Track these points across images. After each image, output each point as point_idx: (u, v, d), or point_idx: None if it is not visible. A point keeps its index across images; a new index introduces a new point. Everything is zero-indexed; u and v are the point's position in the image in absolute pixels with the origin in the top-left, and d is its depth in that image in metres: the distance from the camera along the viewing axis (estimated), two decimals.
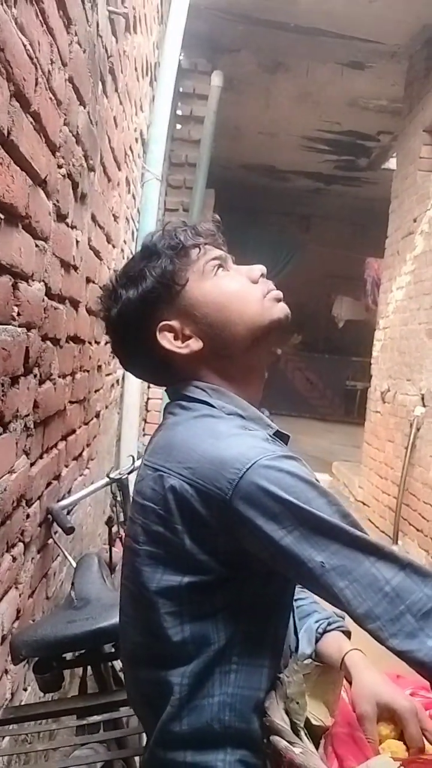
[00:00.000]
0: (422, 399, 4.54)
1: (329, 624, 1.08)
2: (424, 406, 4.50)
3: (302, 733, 0.84)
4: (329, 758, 0.86)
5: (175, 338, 1.01)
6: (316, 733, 0.88)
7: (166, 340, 1.00)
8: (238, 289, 1.03)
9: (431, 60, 4.98)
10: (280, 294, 1.05)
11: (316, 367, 12.09)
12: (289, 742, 0.79)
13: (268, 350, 1.07)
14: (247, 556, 0.87)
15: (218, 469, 0.85)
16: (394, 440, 5.09)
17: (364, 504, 5.81)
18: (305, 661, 0.95)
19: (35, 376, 1.54)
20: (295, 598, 1.10)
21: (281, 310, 1.04)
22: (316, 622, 1.08)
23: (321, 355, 12.11)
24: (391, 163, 7.13)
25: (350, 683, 0.99)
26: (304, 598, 1.14)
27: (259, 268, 1.05)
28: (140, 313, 1.01)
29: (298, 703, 0.86)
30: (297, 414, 11.30)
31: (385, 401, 5.41)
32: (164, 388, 1.09)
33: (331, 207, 11.11)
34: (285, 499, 0.82)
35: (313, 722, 0.89)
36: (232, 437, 0.90)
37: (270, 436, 0.97)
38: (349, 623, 1.06)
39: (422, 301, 4.70)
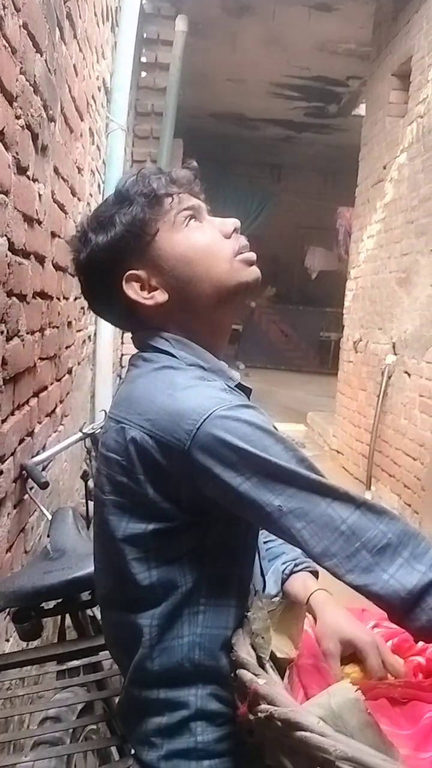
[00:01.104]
0: (393, 347, 4.59)
1: (296, 565, 1.11)
2: (395, 354, 4.56)
3: (268, 666, 0.88)
4: (294, 688, 0.90)
5: (142, 288, 1.00)
6: (281, 666, 0.93)
7: (132, 290, 1.00)
8: (208, 244, 1.01)
9: (399, 1, 4.87)
10: (252, 256, 1.03)
11: (291, 318, 12.10)
12: (254, 674, 0.82)
13: (233, 311, 1.06)
14: (209, 503, 0.89)
15: (176, 420, 0.87)
16: (367, 389, 5.16)
17: (338, 452, 5.91)
18: (271, 599, 0.99)
19: (2, 332, 1.53)
20: (265, 540, 1.14)
21: (251, 273, 1.03)
22: (284, 563, 1.12)
23: (295, 306, 12.11)
24: (361, 110, 7.04)
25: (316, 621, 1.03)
26: (274, 539, 1.16)
27: (233, 222, 1.04)
28: (108, 260, 1.00)
29: (263, 638, 0.89)
30: (272, 366, 11.37)
31: (358, 351, 5.46)
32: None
33: (302, 156, 10.98)
34: (241, 447, 0.84)
35: (279, 655, 0.93)
36: (189, 388, 0.91)
37: (229, 386, 0.97)
38: None
39: (392, 249, 4.71)
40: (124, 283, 1.00)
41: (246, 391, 1.03)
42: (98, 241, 1.01)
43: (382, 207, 5.01)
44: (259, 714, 0.77)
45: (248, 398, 1.01)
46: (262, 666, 0.87)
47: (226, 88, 8.02)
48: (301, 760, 0.73)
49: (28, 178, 1.73)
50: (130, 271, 1.00)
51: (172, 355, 0.98)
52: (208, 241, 1.01)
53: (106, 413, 1.02)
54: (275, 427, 0.89)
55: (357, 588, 0.81)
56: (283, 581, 1.10)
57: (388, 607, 0.82)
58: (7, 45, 1.43)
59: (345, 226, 9.10)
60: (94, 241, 1.01)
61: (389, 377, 4.60)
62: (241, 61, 7.07)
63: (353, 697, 0.78)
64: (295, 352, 12.19)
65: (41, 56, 1.79)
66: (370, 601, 0.83)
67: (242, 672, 0.84)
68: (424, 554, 0.81)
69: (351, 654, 0.96)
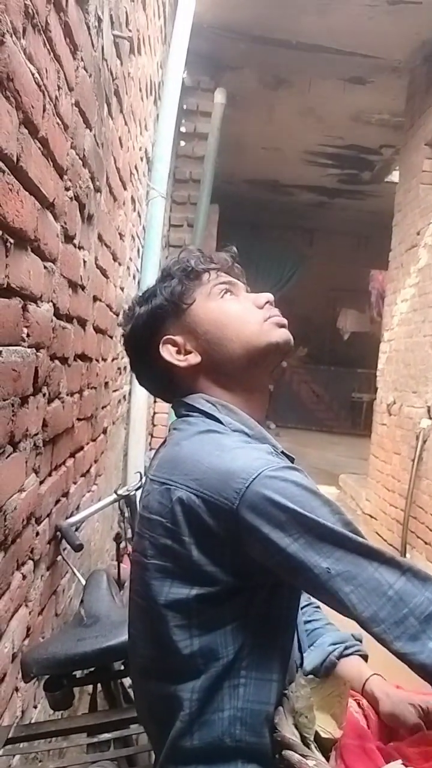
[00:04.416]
0: (428, 411, 4.54)
1: (346, 648, 1.10)
2: (430, 418, 4.50)
3: (312, 746, 0.85)
4: None
5: (178, 352, 1.06)
6: (325, 746, 0.90)
7: (167, 352, 1.06)
8: (240, 310, 1.07)
9: None
10: (283, 321, 1.09)
11: (322, 379, 12.09)
12: (301, 755, 0.80)
13: (266, 373, 1.09)
14: (254, 567, 0.89)
15: (225, 479, 0.88)
16: (401, 452, 5.08)
17: (371, 517, 5.79)
18: (311, 677, 0.97)
19: (44, 395, 1.56)
20: (307, 619, 1.11)
21: (281, 335, 1.07)
22: (332, 645, 1.10)
23: (327, 367, 12.11)
24: (394, 177, 7.17)
25: (374, 707, 1.03)
26: (318, 620, 1.16)
27: (266, 296, 1.10)
28: (149, 327, 1.08)
29: (306, 717, 0.87)
30: (303, 426, 11.31)
31: (391, 413, 5.41)
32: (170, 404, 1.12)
33: (335, 220, 11.16)
34: (290, 507, 0.85)
35: (323, 735, 0.90)
36: (237, 449, 0.93)
37: (274, 450, 0.99)
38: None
39: (427, 313, 4.71)
40: (160, 346, 1.06)
41: (290, 459, 1.03)
42: (141, 312, 1.10)
43: (416, 272, 5.04)
44: None
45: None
46: (307, 746, 0.85)
47: (261, 156, 8.25)
48: None
49: (74, 245, 1.79)
50: (167, 336, 1.06)
51: (218, 420, 1.00)
52: (240, 308, 1.08)
53: (141, 475, 1.03)
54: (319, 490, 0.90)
55: (403, 656, 0.81)
56: (333, 664, 1.08)
57: None
58: (60, 122, 1.50)
59: (377, 289, 9.15)
60: (138, 312, 1.10)
61: (424, 441, 4.53)
62: (276, 131, 7.28)
63: None
64: (326, 412, 12.13)
65: (90, 131, 1.88)
66: (412, 670, 0.81)
67: (289, 753, 0.81)
68: None
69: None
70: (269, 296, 1.10)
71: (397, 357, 5.41)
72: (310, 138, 7.46)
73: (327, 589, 0.83)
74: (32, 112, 1.24)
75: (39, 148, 1.33)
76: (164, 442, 1.05)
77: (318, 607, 1.16)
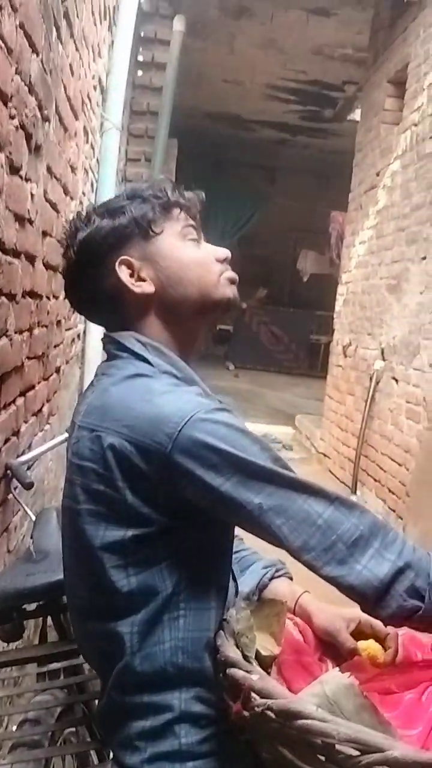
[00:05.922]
0: (382, 353, 4.61)
1: (277, 570, 1.15)
2: (383, 360, 4.58)
3: (254, 664, 0.89)
4: (278, 682, 0.92)
5: (131, 276, 1.04)
6: (264, 663, 0.94)
7: (123, 273, 1.03)
8: (203, 258, 1.08)
9: (396, 9, 4.89)
10: (236, 278, 1.10)
11: (281, 320, 12.10)
12: (245, 671, 0.84)
13: (208, 323, 1.12)
14: (187, 506, 0.91)
15: (156, 424, 0.89)
16: (355, 393, 5.18)
17: (325, 456, 5.93)
18: (250, 600, 1.01)
19: None
20: (236, 549, 1.16)
21: (233, 291, 1.09)
22: (264, 568, 1.15)
23: (286, 308, 12.12)
24: (356, 115, 7.05)
25: (308, 623, 1.08)
26: (244, 549, 1.20)
27: (226, 252, 1.11)
28: (109, 243, 1.04)
29: (247, 637, 0.91)
30: (262, 368, 11.38)
31: (347, 355, 5.48)
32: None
33: (297, 159, 11.00)
34: (222, 449, 0.88)
35: (263, 653, 0.94)
36: (167, 394, 0.94)
37: (205, 391, 1.01)
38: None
39: (383, 256, 4.73)
40: (117, 265, 1.03)
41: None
42: (102, 224, 1.04)
43: (374, 213, 5.03)
44: (256, 708, 0.79)
45: None
46: (249, 663, 0.89)
47: (222, 89, 8.03)
48: (301, 748, 0.76)
49: (21, 177, 1.73)
50: (125, 257, 1.03)
51: (147, 361, 1.00)
52: (204, 257, 1.08)
53: None
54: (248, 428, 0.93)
55: (332, 579, 0.86)
56: (264, 585, 1.13)
57: (361, 597, 0.86)
58: (3, 45, 1.43)
59: (337, 230, 9.08)
60: (98, 224, 1.05)
61: (377, 383, 4.62)
62: (237, 63, 7.08)
63: (347, 683, 0.82)
64: (284, 354, 12.20)
65: (37, 56, 1.79)
66: (341, 593, 0.87)
67: (234, 670, 0.86)
68: (392, 543, 0.87)
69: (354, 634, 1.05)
70: (228, 253, 1.11)
71: (354, 299, 5.45)
72: (272, 71, 7.28)
73: (260, 523, 0.87)
74: None
75: None
76: (90, 386, 1.04)
77: (241, 538, 1.20)
